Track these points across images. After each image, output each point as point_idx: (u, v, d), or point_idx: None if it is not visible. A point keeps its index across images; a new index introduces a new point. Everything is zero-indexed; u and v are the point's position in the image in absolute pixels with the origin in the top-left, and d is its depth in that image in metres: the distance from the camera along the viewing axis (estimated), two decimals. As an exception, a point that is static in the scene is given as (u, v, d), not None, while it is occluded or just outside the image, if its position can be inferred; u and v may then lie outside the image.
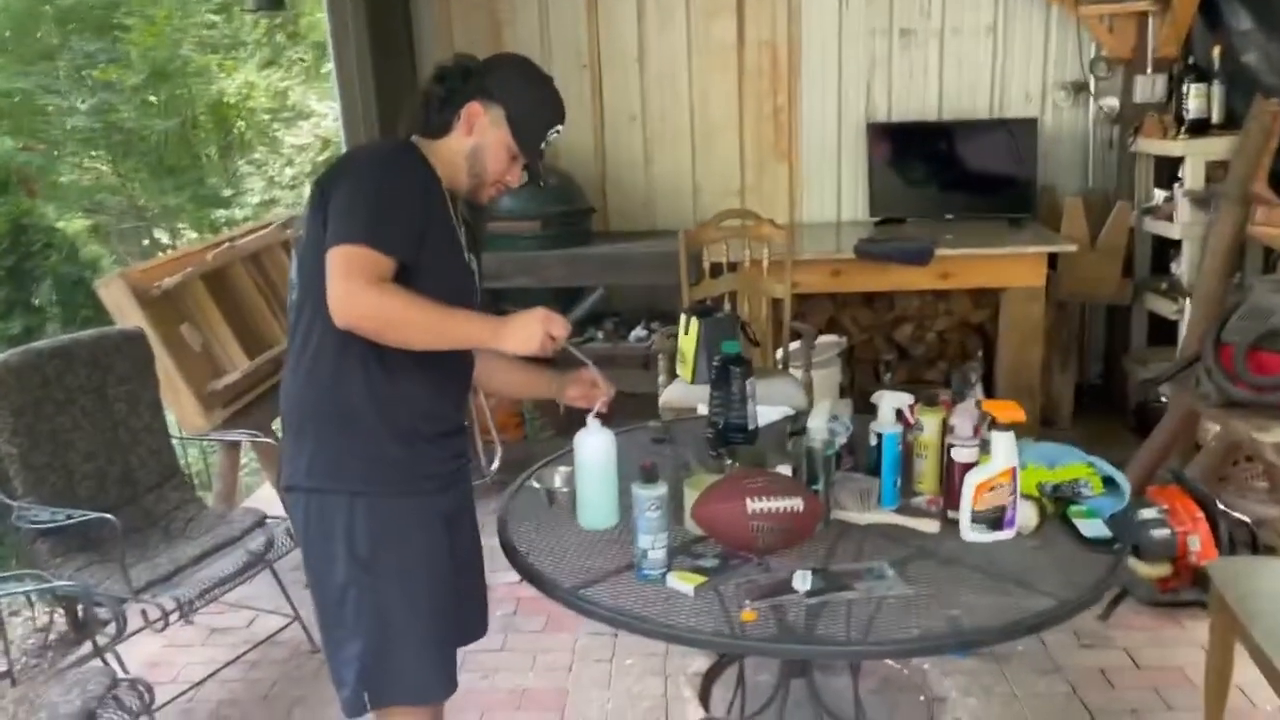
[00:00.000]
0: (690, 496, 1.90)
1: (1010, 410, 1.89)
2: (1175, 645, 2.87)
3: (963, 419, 1.93)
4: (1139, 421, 4.36)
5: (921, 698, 2.70)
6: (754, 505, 1.79)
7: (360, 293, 1.62)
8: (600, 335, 4.55)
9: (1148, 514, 2.97)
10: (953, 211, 4.56)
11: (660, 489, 1.74)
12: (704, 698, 2.73)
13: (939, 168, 4.65)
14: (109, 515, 2.52)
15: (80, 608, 3.37)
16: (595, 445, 1.93)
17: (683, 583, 1.73)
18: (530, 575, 1.83)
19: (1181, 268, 4.02)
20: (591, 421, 1.94)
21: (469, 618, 2.07)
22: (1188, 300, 3.90)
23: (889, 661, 2.77)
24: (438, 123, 1.83)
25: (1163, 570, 3.00)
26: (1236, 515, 3.04)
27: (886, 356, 4.65)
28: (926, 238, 4.06)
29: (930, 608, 1.65)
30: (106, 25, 8.64)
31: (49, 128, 7.84)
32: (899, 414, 2.08)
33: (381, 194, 1.69)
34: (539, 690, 2.79)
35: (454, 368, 1.90)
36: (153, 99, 9.49)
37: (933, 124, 4.68)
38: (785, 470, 1.98)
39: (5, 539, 3.34)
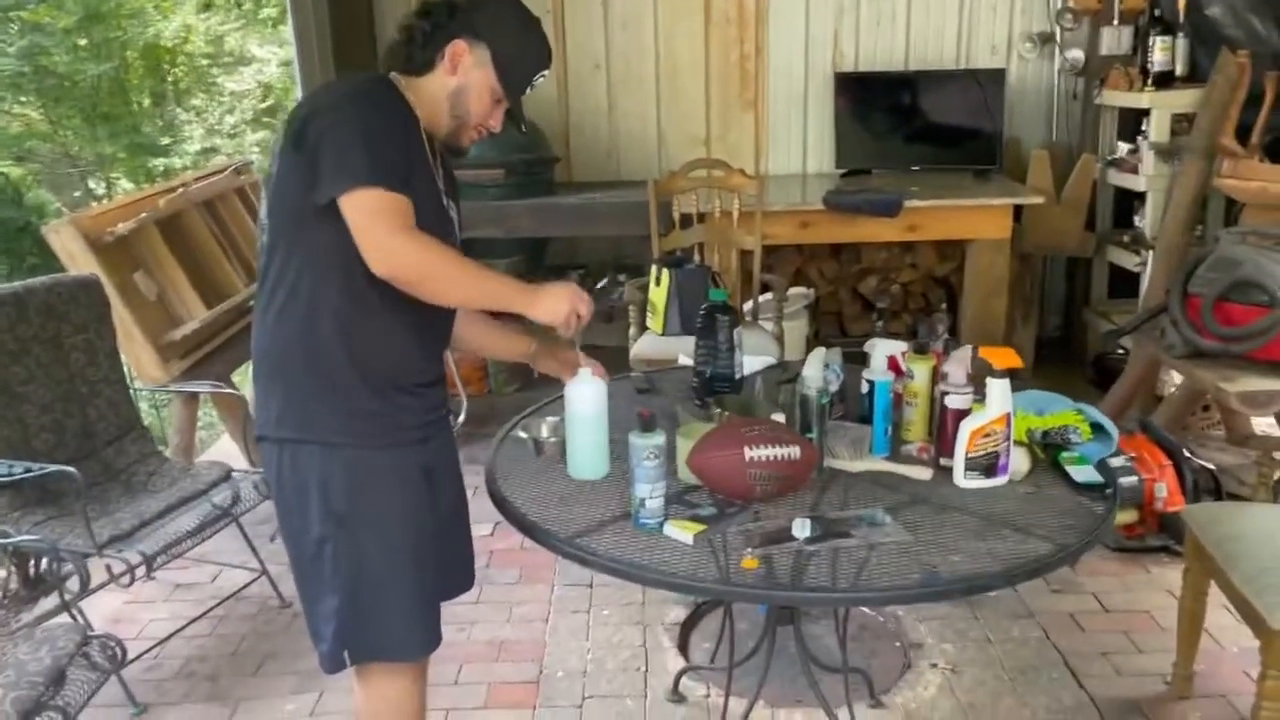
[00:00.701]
0: (684, 446, 1.87)
1: (1006, 357, 1.88)
2: (1142, 590, 2.93)
3: (956, 366, 1.92)
4: (1098, 373, 4.43)
5: (897, 643, 2.74)
6: (752, 453, 1.77)
7: (402, 244, 1.57)
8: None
9: (1115, 462, 3.01)
10: (918, 163, 4.56)
11: (658, 438, 1.71)
12: (682, 647, 2.74)
13: (905, 119, 4.64)
14: (70, 469, 2.42)
15: (34, 563, 3.28)
16: (587, 395, 1.89)
17: (681, 531, 1.71)
18: (523, 525, 1.79)
19: (1145, 220, 4.07)
20: (583, 371, 1.90)
21: (454, 572, 2.01)
22: (1151, 253, 3.94)
23: (866, 609, 2.80)
24: (420, 60, 1.74)
25: (1130, 517, 3.06)
26: (1201, 463, 3.10)
27: (880, 304, 4.66)
28: (895, 189, 4.05)
29: (930, 553, 1.64)
30: (35, -38, 8.26)
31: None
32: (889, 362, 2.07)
33: (372, 130, 1.60)
34: (516, 642, 2.77)
35: (433, 319, 1.81)
36: (84, 42, 9.11)
37: (899, 74, 4.66)
38: (779, 419, 1.96)
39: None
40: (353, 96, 1.67)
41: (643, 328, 3.67)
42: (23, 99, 9.08)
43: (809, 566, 1.62)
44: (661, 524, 1.73)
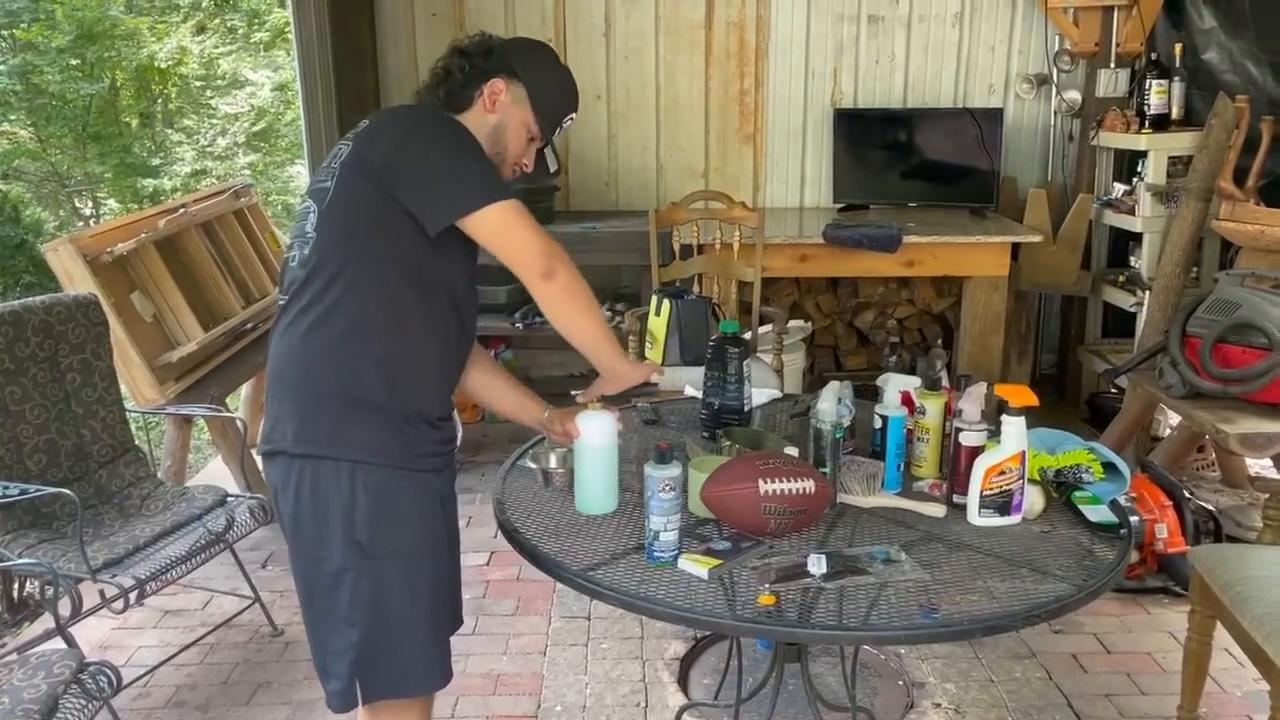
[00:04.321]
0: (696, 478, 1.85)
1: (1022, 395, 1.88)
2: (1143, 631, 2.91)
3: (971, 403, 1.91)
4: (1092, 412, 4.44)
5: (900, 682, 2.71)
6: (767, 487, 1.76)
7: (559, 248, 1.69)
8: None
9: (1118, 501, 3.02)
10: (915, 200, 4.58)
11: (674, 469, 1.69)
12: (683, 682, 2.71)
13: (903, 155, 4.67)
14: (67, 491, 2.37)
15: (18, 586, 3.22)
16: (598, 429, 1.87)
17: (696, 566, 1.69)
18: (534, 557, 1.77)
19: (1142, 260, 4.10)
20: (595, 406, 1.90)
21: (457, 606, 1.95)
22: (1147, 293, 3.97)
23: (867, 646, 2.77)
24: (459, 98, 1.79)
25: (1130, 557, 3.05)
26: (1201, 504, 3.10)
27: (894, 339, 4.66)
28: (894, 225, 4.07)
29: (945, 591, 1.63)
30: (31, -18, 8.28)
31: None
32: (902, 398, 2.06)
33: (472, 150, 1.69)
34: (514, 675, 2.73)
35: (459, 353, 1.83)
36: (76, 61, 9.10)
37: (897, 111, 4.69)
38: (793, 452, 1.95)
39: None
40: (435, 123, 1.71)
41: (641, 358, 3.65)
42: (12, 117, 9.06)
43: (819, 603, 1.60)
44: (676, 557, 1.71)
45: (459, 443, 1.93)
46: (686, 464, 1.89)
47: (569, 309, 1.75)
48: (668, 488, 1.68)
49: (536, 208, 4.25)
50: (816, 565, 1.67)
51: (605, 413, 1.89)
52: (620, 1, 4.64)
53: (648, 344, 3.62)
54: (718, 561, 1.70)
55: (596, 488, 1.90)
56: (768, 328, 3.84)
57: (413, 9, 4.55)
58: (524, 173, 1.86)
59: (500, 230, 1.65)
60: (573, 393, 1.98)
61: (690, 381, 2.76)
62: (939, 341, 4.76)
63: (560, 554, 1.76)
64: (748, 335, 3.90)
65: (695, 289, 3.84)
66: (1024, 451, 1.84)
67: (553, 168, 1.87)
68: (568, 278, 1.70)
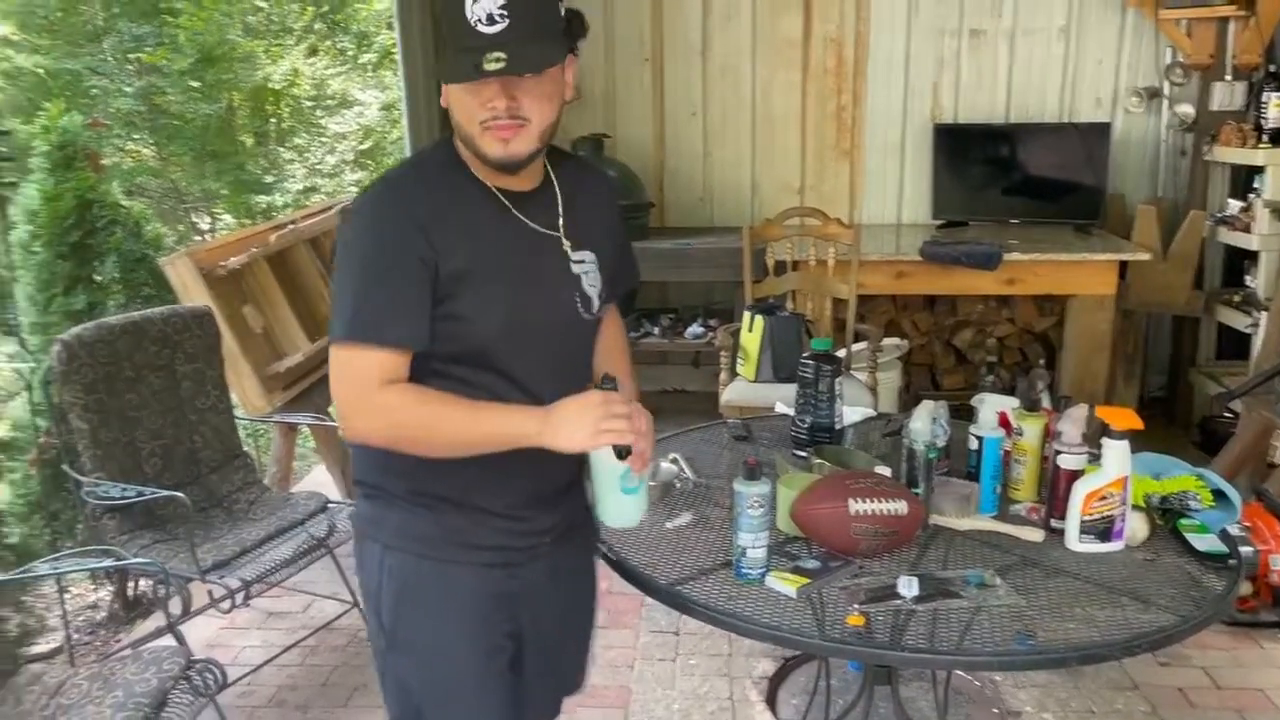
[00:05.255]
0: (785, 496, 1.85)
1: (1126, 417, 1.82)
2: (1256, 667, 2.78)
3: (1071, 425, 1.87)
4: (1203, 436, 4.26)
5: (995, 710, 2.64)
6: (857, 507, 1.74)
7: (355, 414, 1.39)
8: (656, 331, 4.50)
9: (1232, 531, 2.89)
10: (1017, 216, 4.48)
11: (764, 486, 1.69)
12: (770, 702, 2.69)
13: (1004, 171, 4.58)
14: (180, 494, 2.48)
15: (133, 585, 3.38)
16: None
17: (784, 584, 1.68)
18: (623, 570, 1.78)
19: (1258, 279, 3.93)
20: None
21: (534, 701, 1.67)
22: (1264, 313, 3.80)
23: (960, 671, 2.71)
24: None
25: (1243, 589, 2.92)
26: (1320, 535, 2.95)
27: (991, 358, 4.57)
28: (994, 242, 3.99)
29: (1041, 618, 1.59)
30: (154, 9, 8.68)
31: (94, 108, 7.89)
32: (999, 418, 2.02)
33: (366, 264, 1.38)
34: (604, 687, 2.74)
35: None
36: (195, 83, 9.51)
37: (1000, 126, 4.60)
38: (885, 472, 1.93)
39: (62, 515, 3.33)
40: (357, 216, 1.42)
41: (733, 373, 3.65)
42: (136, 136, 9.52)
43: (910, 626, 1.58)
44: (763, 575, 1.70)
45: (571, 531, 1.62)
46: (775, 481, 1.88)
47: (415, 450, 1.42)
48: (756, 504, 1.68)
49: (630, 223, 4.33)
50: (907, 587, 1.65)
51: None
52: (717, 19, 4.66)
53: (739, 360, 3.62)
54: (806, 580, 1.69)
55: (622, 495, 1.52)
56: (862, 345, 3.80)
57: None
58: (514, 120, 1.36)
59: (331, 368, 1.41)
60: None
61: (781, 399, 2.75)
62: (1040, 362, 4.64)
63: (648, 567, 1.77)
64: (841, 353, 3.86)
65: (788, 306, 3.83)
66: (1126, 476, 1.78)
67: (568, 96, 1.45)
68: (365, 430, 1.40)
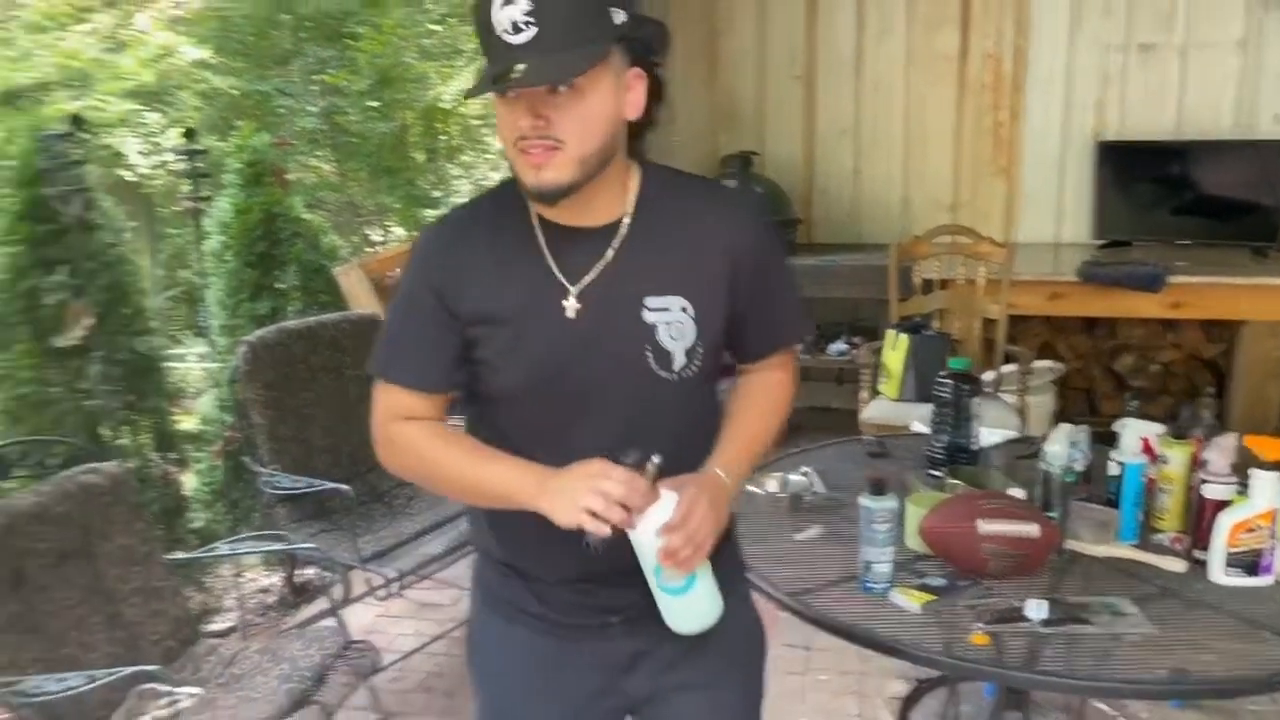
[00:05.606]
0: (914, 514, 1.86)
1: (1276, 448, 1.75)
2: None
3: (1219, 454, 1.81)
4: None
5: (1137, 747, 2.55)
6: (986, 527, 1.74)
7: (376, 445, 1.40)
8: (799, 347, 4.52)
9: None
10: (1187, 237, 4.28)
11: (890, 502, 1.72)
12: (902, 723, 2.67)
13: (1174, 190, 4.38)
14: (345, 486, 2.68)
15: (297, 571, 3.64)
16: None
17: (908, 599, 1.70)
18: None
19: None
20: (666, 496, 1.25)
21: None
22: None
23: (1101, 705, 2.63)
24: None
25: None
26: None
27: (1136, 382, 4.41)
28: (1158, 263, 3.83)
29: (1176, 649, 1.56)
30: (338, 33, 9.24)
31: (281, 128, 8.47)
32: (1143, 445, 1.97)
33: (398, 301, 1.38)
34: (732, 696, 2.79)
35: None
36: (373, 103, 10.07)
37: (1169, 143, 4.40)
38: (1018, 494, 1.91)
39: (241, 503, 3.61)
40: (414, 243, 1.39)
41: (874, 392, 3.64)
42: (319, 153, 10.16)
43: (1044, 650, 1.57)
44: (888, 590, 1.73)
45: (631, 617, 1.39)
46: (905, 498, 1.90)
47: (430, 488, 1.48)
48: (882, 520, 1.71)
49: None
50: (1036, 610, 1.64)
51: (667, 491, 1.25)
52: (871, 35, 4.65)
53: (882, 378, 3.60)
54: (932, 597, 1.71)
55: (695, 599, 1.31)
56: (1012, 367, 3.72)
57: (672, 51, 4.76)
58: (539, 135, 1.19)
59: None
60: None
61: (919, 418, 2.74)
62: (1209, 389, 4.41)
63: (773, 577, 1.81)
64: (990, 375, 3.79)
65: (934, 325, 3.78)
66: (1277, 509, 1.72)
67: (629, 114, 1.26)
68: (384, 461, 1.40)
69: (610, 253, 1.30)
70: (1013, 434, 2.57)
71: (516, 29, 1.16)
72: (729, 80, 4.86)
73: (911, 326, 3.58)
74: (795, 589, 1.77)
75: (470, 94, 1.21)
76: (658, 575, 1.27)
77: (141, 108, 7.10)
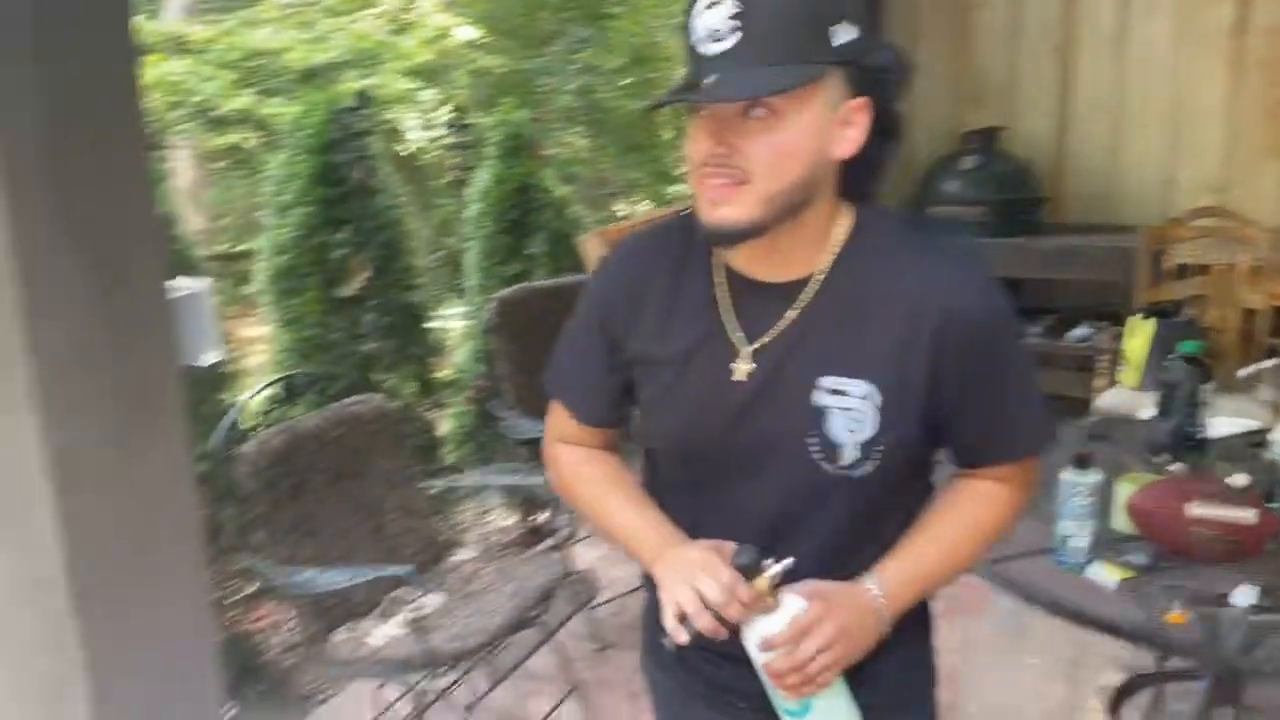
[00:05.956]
0: (1123, 493, 1.85)
1: None
2: None
3: None
4: None
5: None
6: (1196, 511, 1.72)
7: (546, 459, 1.36)
8: (1037, 331, 4.38)
9: None
10: None
11: (1092, 476, 1.72)
12: (1113, 714, 2.62)
13: None
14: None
15: (533, 515, 3.95)
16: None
17: (1107, 574, 1.70)
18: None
19: None
20: (789, 601, 1.08)
21: None
22: None
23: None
24: None
25: None
26: None
27: None
28: None
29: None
30: (598, 13, 9.63)
31: (540, 105, 8.97)
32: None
33: (574, 319, 1.32)
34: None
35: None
36: (624, 82, 10.44)
37: None
38: (1241, 481, 1.85)
39: (487, 445, 3.96)
40: (600, 261, 1.35)
41: (1112, 380, 3.50)
42: (575, 130, 10.66)
43: (1266, 639, 1.53)
44: (1084, 565, 1.74)
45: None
46: (1115, 478, 1.88)
47: (568, 503, 1.39)
48: (1084, 494, 1.72)
49: (1020, 219, 4.25)
50: (1244, 597, 1.61)
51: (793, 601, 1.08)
52: (1137, 8, 4.40)
53: (1120, 366, 3.46)
54: (1132, 573, 1.70)
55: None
56: (1272, 362, 3.46)
57: (917, 23, 4.71)
58: (720, 164, 1.04)
59: None
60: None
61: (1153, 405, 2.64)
62: None
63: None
64: (1250, 369, 3.54)
65: (1185, 312, 3.57)
66: None
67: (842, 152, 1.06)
68: (555, 479, 1.35)
69: (792, 314, 1.11)
70: (1251, 425, 2.44)
71: (715, 38, 1.00)
72: (979, 54, 4.74)
73: (1158, 313, 3.41)
74: (989, 557, 1.80)
75: (651, 106, 1.09)
76: (772, 689, 1.10)
77: (418, 86, 7.76)
